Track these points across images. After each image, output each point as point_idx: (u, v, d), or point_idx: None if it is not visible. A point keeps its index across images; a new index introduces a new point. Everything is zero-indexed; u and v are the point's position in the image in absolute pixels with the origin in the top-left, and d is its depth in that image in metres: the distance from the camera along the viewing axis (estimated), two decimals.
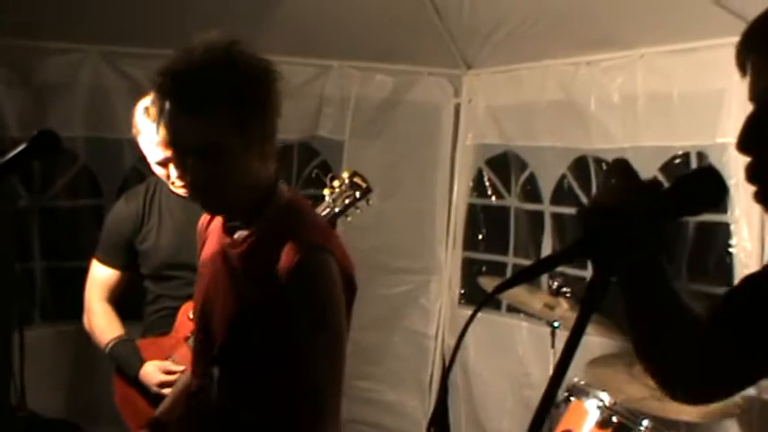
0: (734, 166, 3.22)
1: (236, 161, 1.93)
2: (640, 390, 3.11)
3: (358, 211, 3.02)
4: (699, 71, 3.61)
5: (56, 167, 4.29)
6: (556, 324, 3.58)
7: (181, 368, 3.11)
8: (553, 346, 3.58)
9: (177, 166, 1.98)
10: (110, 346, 3.19)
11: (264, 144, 1.97)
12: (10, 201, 3.84)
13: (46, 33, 3.95)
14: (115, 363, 3.23)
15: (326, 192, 2.98)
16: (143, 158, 3.24)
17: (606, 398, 3.12)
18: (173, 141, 1.95)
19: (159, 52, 4.19)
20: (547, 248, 4.48)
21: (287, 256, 1.93)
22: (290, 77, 4.36)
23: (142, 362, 3.15)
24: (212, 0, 3.94)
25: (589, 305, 1.30)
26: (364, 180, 3.02)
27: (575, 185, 4.36)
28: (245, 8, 4.05)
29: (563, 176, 4.40)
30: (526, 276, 1.44)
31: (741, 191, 3.22)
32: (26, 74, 4.02)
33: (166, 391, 3.09)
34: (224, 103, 1.88)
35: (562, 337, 3.55)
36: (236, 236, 2.08)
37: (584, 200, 4.28)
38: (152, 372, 3.12)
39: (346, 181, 3.01)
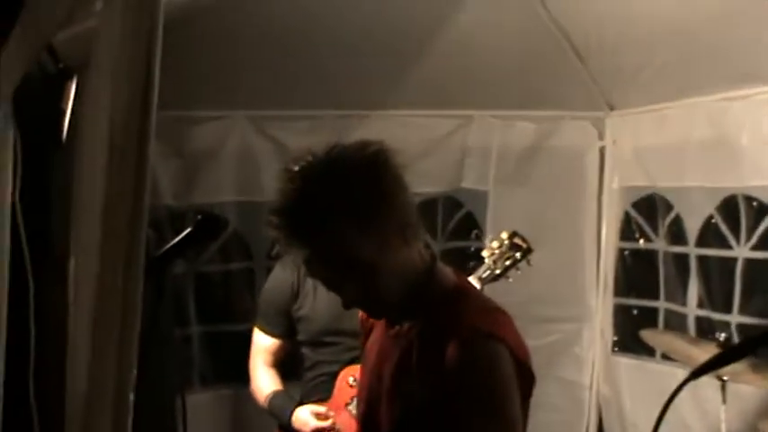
0: None
1: (380, 263, 1.82)
2: None
3: (519, 272, 2.96)
4: None
5: None
6: (725, 378, 3.38)
7: (332, 413, 3.11)
8: (724, 401, 3.37)
9: (332, 290, 1.91)
10: (267, 399, 3.24)
11: (403, 231, 1.84)
12: None
13: (195, 103, 4.07)
14: (271, 415, 3.26)
15: (486, 253, 2.94)
16: None
17: None
18: (311, 274, 1.89)
19: (302, 113, 4.33)
20: (693, 293, 4.27)
21: (453, 348, 1.80)
22: (432, 130, 4.48)
23: (294, 407, 3.17)
24: (352, 61, 3.98)
25: None
26: (524, 240, 2.96)
27: (723, 227, 4.16)
28: (383, 66, 4.08)
29: (710, 217, 4.22)
30: (726, 360, 1.38)
31: None
32: (177, 143, 4.14)
33: None
34: (338, 217, 1.77)
35: (732, 390, 3.38)
36: (398, 326, 1.98)
37: (731, 241, 4.09)
38: (304, 417, 3.14)
39: (506, 242, 2.96)
